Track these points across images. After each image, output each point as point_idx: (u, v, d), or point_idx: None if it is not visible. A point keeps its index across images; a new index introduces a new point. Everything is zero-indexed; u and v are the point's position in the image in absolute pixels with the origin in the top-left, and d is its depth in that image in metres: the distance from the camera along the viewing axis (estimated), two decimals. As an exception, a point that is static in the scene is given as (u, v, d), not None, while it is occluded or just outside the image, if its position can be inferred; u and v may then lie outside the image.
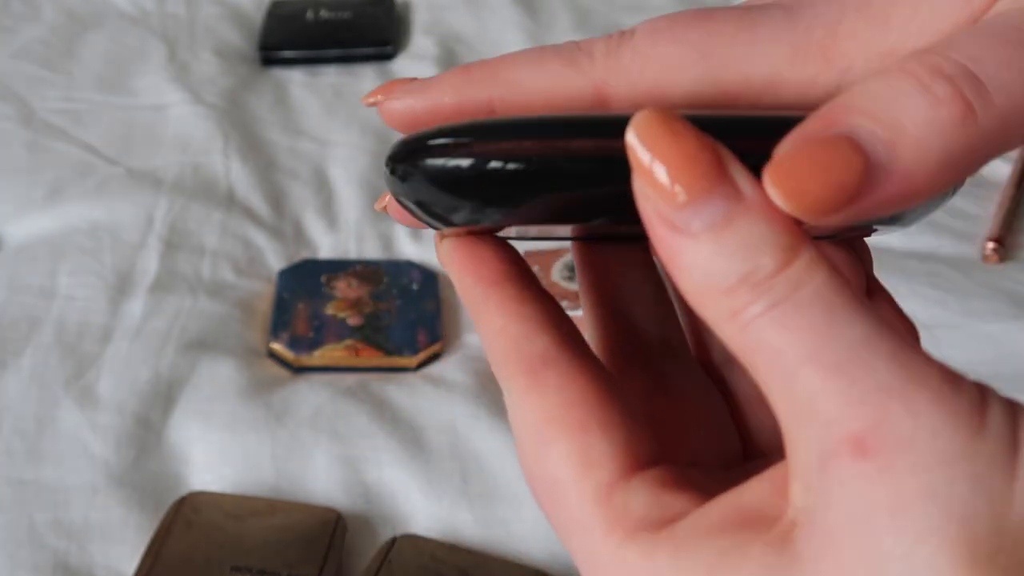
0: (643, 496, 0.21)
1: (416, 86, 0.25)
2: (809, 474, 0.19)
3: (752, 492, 0.21)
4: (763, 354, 0.20)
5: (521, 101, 0.25)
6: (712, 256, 0.19)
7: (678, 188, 0.20)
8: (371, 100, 0.26)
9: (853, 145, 0.19)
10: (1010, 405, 0.19)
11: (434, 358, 0.65)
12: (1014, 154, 0.78)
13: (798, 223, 0.20)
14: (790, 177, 0.19)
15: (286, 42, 0.95)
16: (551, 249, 0.69)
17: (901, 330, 0.22)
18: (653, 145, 0.20)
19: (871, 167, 0.19)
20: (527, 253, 0.69)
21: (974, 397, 0.19)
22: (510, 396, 0.23)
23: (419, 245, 0.74)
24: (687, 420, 0.25)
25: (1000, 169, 0.77)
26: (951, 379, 0.19)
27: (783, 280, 0.19)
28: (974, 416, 0.19)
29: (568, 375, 0.23)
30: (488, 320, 0.24)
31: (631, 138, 0.20)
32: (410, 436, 0.59)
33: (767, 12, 0.24)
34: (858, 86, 0.20)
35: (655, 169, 0.20)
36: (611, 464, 0.22)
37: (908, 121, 0.20)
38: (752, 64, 0.24)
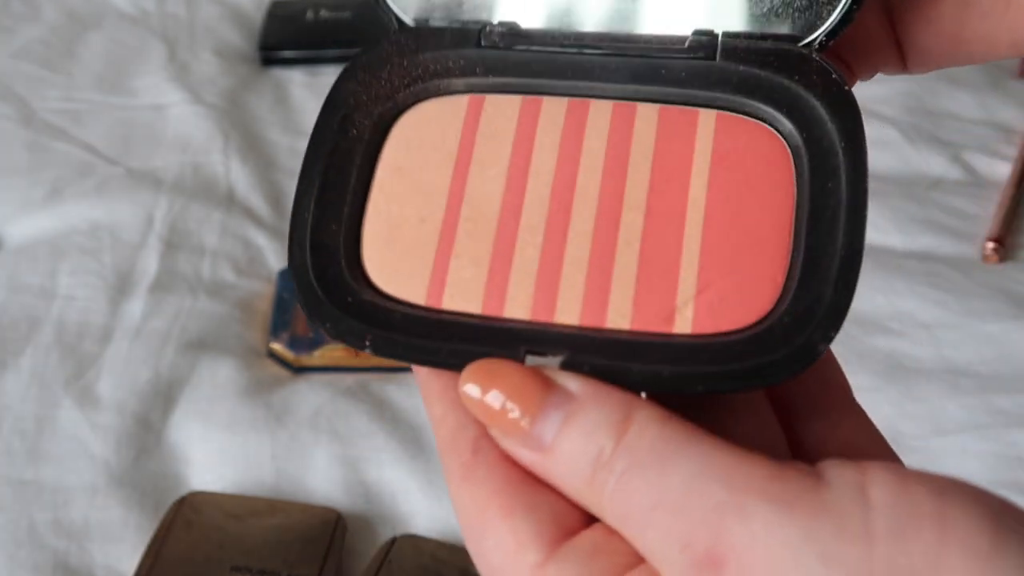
0: (572, 565, 0.22)
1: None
2: None
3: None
4: (626, 519, 0.22)
5: None
6: (569, 455, 0.22)
7: (521, 416, 0.22)
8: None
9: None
10: (854, 470, 0.20)
11: (434, 358, 0.65)
12: (1014, 153, 0.78)
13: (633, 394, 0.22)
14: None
15: (286, 42, 0.95)
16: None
17: (755, 443, 0.23)
18: (487, 388, 0.23)
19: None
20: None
21: (804, 483, 0.20)
22: (450, 488, 0.24)
23: (419, 245, 0.74)
24: None
25: (1000, 169, 0.77)
26: (778, 475, 0.21)
27: (621, 453, 0.22)
28: (807, 499, 0.20)
29: (495, 462, 0.24)
30: (430, 408, 0.25)
31: (467, 390, 0.23)
32: (410, 436, 0.59)
33: None
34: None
35: (494, 407, 0.23)
36: (538, 543, 0.23)
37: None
38: None
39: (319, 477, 0.57)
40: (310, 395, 0.61)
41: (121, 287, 0.69)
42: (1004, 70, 0.90)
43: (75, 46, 0.95)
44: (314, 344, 0.64)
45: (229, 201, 0.77)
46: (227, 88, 0.89)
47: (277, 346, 0.65)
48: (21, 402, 0.61)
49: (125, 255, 0.71)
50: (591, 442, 0.22)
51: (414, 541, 0.52)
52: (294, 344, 0.64)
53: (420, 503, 0.55)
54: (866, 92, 0.92)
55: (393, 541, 0.52)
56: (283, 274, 0.70)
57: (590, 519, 0.23)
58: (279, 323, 0.66)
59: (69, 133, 0.84)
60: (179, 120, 0.85)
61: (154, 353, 0.64)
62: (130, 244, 0.72)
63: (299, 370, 0.64)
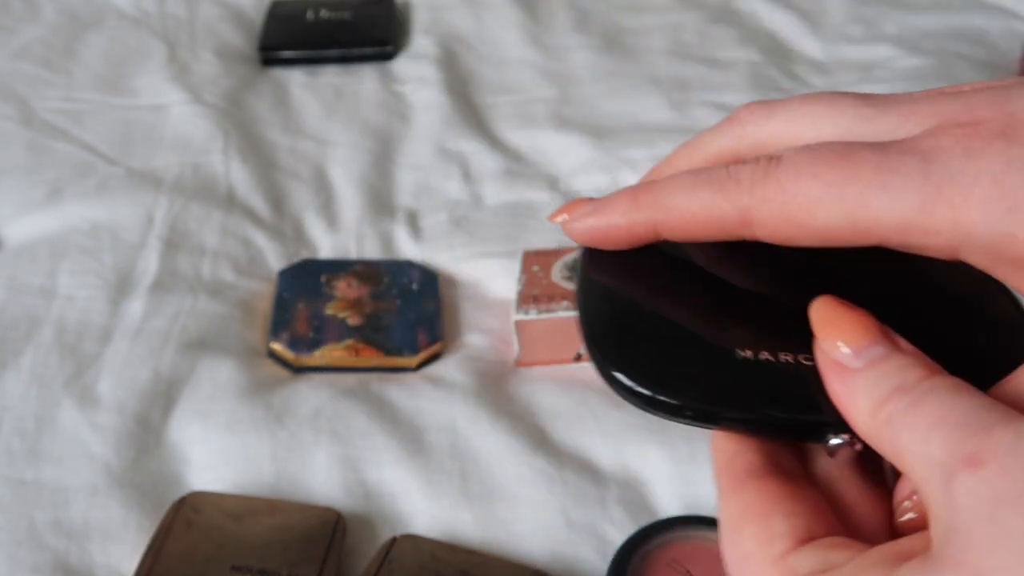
0: (811, 556, 0.27)
1: (592, 208, 0.32)
2: (940, 502, 0.25)
3: (906, 540, 0.27)
4: (904, 434, 0.26)
5: (679, 223, 0.31)
6: (875, 377, 0.27)
7: (847, 345, 0.28)
8: (557, 219, 0.33)
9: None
10: None
11: (434, 358, 0.65)
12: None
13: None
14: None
15: (286, 42, 0.95)
16: (551, 249, 0.70)
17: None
18: (835, 320, 0.29)
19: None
20: (528, 253, 0.69)
21: None
22: (720, 498, 0.30)
23: (419, 245, 0.74)
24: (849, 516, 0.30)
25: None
26: None
27: (923, 386, 0.26)
28: None
29: (762, 482, 0.29)
30: (715, 438, 0.31)
31: (817, 314, 0.29)
32: (410, 436, 0.59)
33: (903, 159, 0.27)
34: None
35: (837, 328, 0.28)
36: (787, 538, 0.28)
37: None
38: (883, 208, 0.27)
39: (319, 477, 0.57)
40: (310, 395, 0.61)
41: (121, 287, 0.69)
42: (1004, 70, 0.90)
43: (75, 46, 0.95)
44: (314, 344, 0.64)
45: (229, 201, 0.77)
46: (227, 88, 0.89)
47: (277, 346, 0.65)
48: (21, 402, 0.61)
49: (125, 255, 0.71)
50: (899, 375, 0.27)
51: (414, 541, 0.52)
52: (294, 344, 0.64)
53: (420, 503, 0.56)
54: (866, 92, 0.92)
55: (393, 541, 0.52)
56: (283, 274, 0.70)
57: (834, 533, 0.28)
58: (279, 323, 0.66)
59: (69, 133, 0.84)
60: (179, 120, 0.85)
61: (154, 353, 0.64)
62: (130, 244, 0.72)
63: (299, 370, 0.64)
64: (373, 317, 0.67)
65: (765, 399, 0.30)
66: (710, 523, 0.52)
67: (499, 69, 0.94)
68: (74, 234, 0.73)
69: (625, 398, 0.31)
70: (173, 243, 0.72)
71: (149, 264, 0.70)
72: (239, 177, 0.79)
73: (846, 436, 0.29)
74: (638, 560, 0.51)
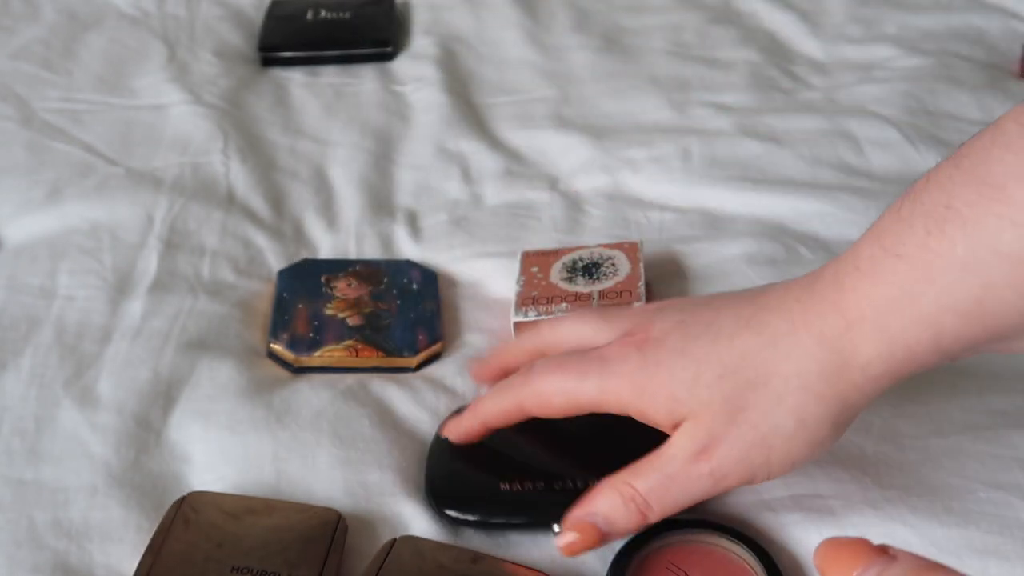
0: None
1: (459, 422, 0.58)
2: None
3: None
4: None
5: (494, 419, 0.56)
6: None
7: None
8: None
9: (594, 526, 0.50)
10: None
11: (434, 358, 0.65)
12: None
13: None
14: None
15: (286, 42, 0.95)
16: (550, 250, 0.70)
17: None
18: (831, 558, 0.32)
19: (602, 533, 0.50)
20: (527, 253, 0.69)
21: None
22: None
23: (419, 245, 0.74)
24: None
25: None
26: None
27: None
28: None
29: None
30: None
31: (820, 559, 0.33)
32: (410, 436, 0.59)
33: (591, 365, 0.52)
34: (596, 496, 0.51)
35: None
36: None
37: (617, 517, 0.50)
38: (583, 394, 0.53)
39: (320, 478, 0.57)
40: (310, 395, 0.61)
41: (121, 287, 0.69)
42: (1004, 71, 0.90)
43: (75, 46, 0.95)
44: (314, 344, 0.64)
45: (229, 201, 0.77)
46: (227, 88, 0.89)
47: (277, 346, 0.65)
48: (21, 402, 0.61)
49: (125, 255, 0.71)
50: None
51: (414, 542, 0.52)
52: (294, 344, 0.64)
53: (420, 504, 0.56)
54: (866, 92, 0.92)
55: (393, 542, 0.52)
56: (283, 274, 0.70)
57: None
58: (279, 323, 0.66)
59: (69, 133, 0.84)
60: (179, 120, 0.85)
61: (154, 353, 0.64)
62: (130, 244, 0.72)
63: (299, 370, 0.64)
64: (373, 317, 0.67)
65: (519, 512, 0.55)
66: (709, 526, 0.53)
67: (499, 69, 0.94)
68: (74, 234, 0.73)
69: (443, 519, 0.55)
70: (173, 243, 0.72)
71: (149, 264, 0.70)
72: (239, 177, 0.79)
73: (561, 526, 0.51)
74: (637, 563, 0.51)
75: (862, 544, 0.31)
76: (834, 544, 0.32)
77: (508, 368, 0.58)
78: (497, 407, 0.54)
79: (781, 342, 0.47)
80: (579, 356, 0.52)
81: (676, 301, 0.54)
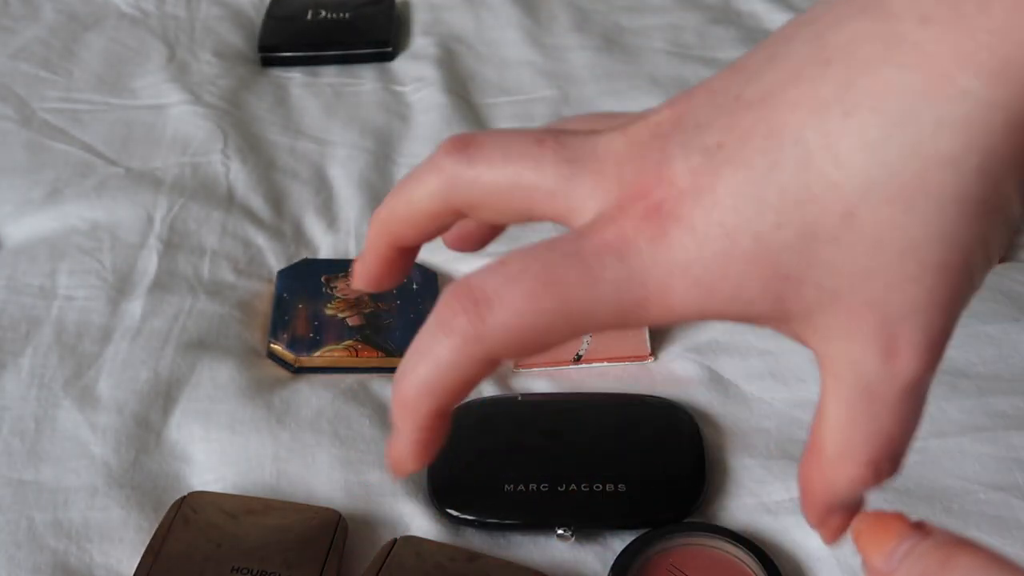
0: None
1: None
2: None
3: None
4: None
5: (441, 388, 0.31)
6: (905, 571, 0.28)
7: (879, 552, 0.29)
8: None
9: None
10: None
11: (434, 358, 0.65)
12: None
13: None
14: None
15: (285, 42, 0.95)
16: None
17: None
18: (868, 531, 0.30)
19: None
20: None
21: None
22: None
23: (419, 245, 0.74)
24: None
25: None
26: None
27: (950, 572, 0.27)
28: None
29: None
30: None
31: (855, 532, 0.30)
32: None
33: (603, 262, 0.29)
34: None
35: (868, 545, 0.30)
36: None
37: None
38: (600, 312, 0.29)
39: (320, 478, 0.57)
40: (311, 396, 0.61)
41: (121, 287, 0.69)
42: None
43: (75, 46, 0.95)
44: (314, 344, 0.64)
45: (229, 201, 0.77)
46: (227, 88, 0.89)
47: (277, 346, 0.65)
48: (21, 402, 0.61)
49: (125, 255, 0.71)
50: (921, 562, 0.28)
51: (414, 542, 0.52)
52: (294, 344, 0.64)
53: (420, 504, 0.56)
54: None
55: (394, 542, 0.52)
56: (283, 274, 0.70)
57: None
58: (279, 323, 0.66)
59: (69, 133, 0.84)
60: (179, 120, 0.85)
61: (154, 353, 0.64)
62: (130, 244, 0.72)
63: (299, 370, 0.64)
64: (373, 317, 0.67)
65: (522, 512, 0.54)
66: (711, 529, 0.53)
67: (499, 69, 0.94)
68: (74, 234, 0.73)
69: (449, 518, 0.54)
70: (173, 243, 0.72)
71: (149, 264, 0.70)
72: (239, 177, 0.79)
73: (565, 530, 0.53)
74: (639, 565, 0.51)
75: (898, 519, 0.30)
76: (871, 518, 0.30)
77: (401, 244, 0.37)
78: (443, 370, 0.30)
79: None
80: (574, 257, 0.29)
81: (664, 107, 0.31)
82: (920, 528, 0.29)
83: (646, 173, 0.29)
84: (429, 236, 0.35)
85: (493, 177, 0.31)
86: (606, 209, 0.29)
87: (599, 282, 0.29)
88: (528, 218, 0.32)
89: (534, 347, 0.30)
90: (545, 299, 0.29)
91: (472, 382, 0.31)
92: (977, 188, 0.26)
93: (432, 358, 0.30)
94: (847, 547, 0.51)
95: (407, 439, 0.32)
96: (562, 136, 0.31)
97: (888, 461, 0.29)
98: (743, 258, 0.27)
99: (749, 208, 0.27)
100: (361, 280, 0.37)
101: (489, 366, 0.30)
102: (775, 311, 0.28)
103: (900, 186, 0.26)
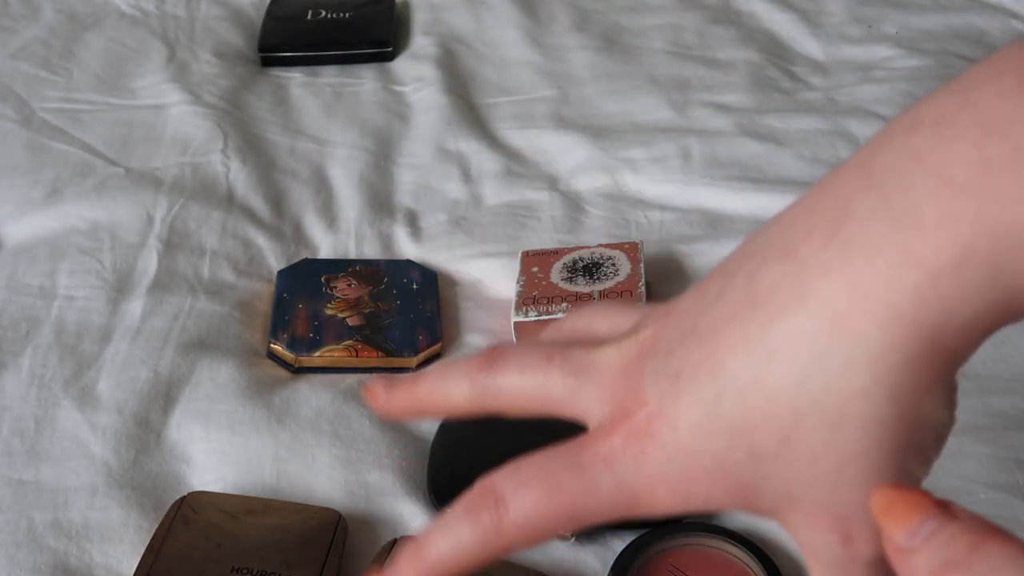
0: None
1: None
2: None
3: None
4: None
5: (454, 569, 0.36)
6: (926, 555, 0.28)
7: (902, 527, 0.29)
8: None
9: None
10: None
11: (434, 358, 0.65)
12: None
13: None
14: None
15: (285, 42, 0.95)
16: (551, 250, 0.69)
17: None
18: (891, 505, 0.29)
19: None
20: (526, 253, 0.69)
21: None
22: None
23: (419, 245, 0.74)
24: None
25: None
26: None
27: (977, 559, 0.27)
28: None
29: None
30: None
31: (876, 505, 0.30)
32: (411, 437, 0.59)
33: (597, 474, 0.34)
34: None
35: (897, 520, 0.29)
36: None
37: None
38: (598, 513, 0.34)
39: (320, 478, 0.57)
40: (311, 396, 0.61)
41: (121, 287, 0.69)
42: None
43: (75, 46, 0.95)
44: (314, 344, 0.64)
45: (229, 201, 0.77)
46: (227, 88, 0.89)
47: (277, 346, 0.65)
48: (21, 402, 0.61)
49: (125, 255, 0.71)
50: (949, 546, 0.28)
51: (414, 542, 0.52)
52: (294, 344, 0.64)
53: (420, 504, 0.55)
54: (866, 92, 0.92)
55: (394, 542, 0.52)
56: (283, 274, 0.70)
57: None
58: (279, 323, 0.66)
59: (69, 133, 0.84)
60: (179, 120, 0.85)
61: (154, 353, 0.63)
62: (130, 244, 0.72)
63: (299, 370, 0.64)
64: (373, 317, 0.67)
65: None
66: (711, 530, 0.53)
67: (499, 69, 0.94)
68: (73, 234, 0.73)
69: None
70: (173, 243, 0.72)
71: (149, 264, 0.70)
72: (239, 177, 0.79)
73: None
74: (639, 565, 0.51)
75: (924, 496, 0.29)
76: (895, 491, 0.30)
77: (425, 415, 0.42)
78: (459, 547, 0.36)
79: None
80: (571, 467, 0.35)
81: (650, 324, 0.36)
82: (947, 509, 0.29)
83: (630, 392, 0.34)
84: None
85: (513, 388, 0.37)
86: (603, 421, 0.35)
87: (595, 490, 0.34)
88: (549, 415, 0.37)
89: (543, 538, 0.35)
90: (549, 505, 0.34)
91: (482, 563, 0.36)
92: (891, 412, 0.30)
93: (455, 539, 0.35)
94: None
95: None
96: (567, 351, 0.36)
97: None
98: (706, 472, 0.32)
99: (703, 432, 0.32)
100: (376, 406, 0.41)
101: (502, 553, 0.35)
102: (745, 508, 0.33)
103: (824, 414, 0.30)
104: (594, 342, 0.37)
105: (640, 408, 0.34)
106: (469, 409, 0.39)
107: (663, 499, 0.33)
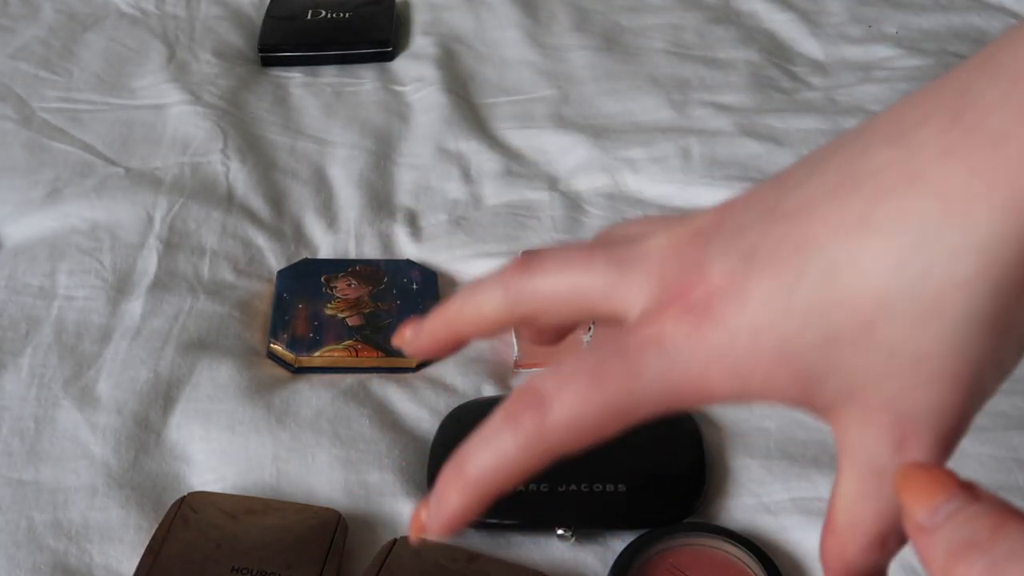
0: None
1: (434, 507, 0.35)
2: None
3: None
4: None
5: (496, 482, 0.34)
6: (946, 534, 0.27)
7: (923, 505, 0.28)
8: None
9: None
10: None
11: (434, 359, 0.65)
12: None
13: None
14: None
15: (285, 42, 0.95)
16: (551, 249, 0.69)
17: None
18: (913, 482, 0.29)
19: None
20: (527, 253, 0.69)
21: None
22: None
23: (419, 245, 0.74)
24: None
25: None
26: None
27: (999, 546, 0.26)
28: None
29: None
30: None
31: (899, 480, 0.29)
32: (410, 436, 0.59)
33: (645, 356, 0.32)
34: None
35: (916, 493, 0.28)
36: None
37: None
38: (646, 399, 0.32)
39: (320, 478, 0.57)
40: (311, 396, 0.61)
41: (121, 287, 0.69)
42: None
43: (75, 46, 0.95)
44: (314, 344, 0.64)
45: (229, 201, 0.77)
46: (226, 88, 0.89)
47: (277, 346, 0.64)
48: (21, 402, 0.61)
49: (125, 255, 0.71)
50: (969, 526, 0.27)
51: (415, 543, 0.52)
52: (294, 344, 0.64)
53: (420, 504, 0.55)
54: (866, 92, 0.92)
55: (394, 542, 0.52)
56: (283, 274, 0.70)
57: None
58: (279, 323, 0.66)
59: (69, 133, 0.84)
60: (179, 120, 0.85)
61: (154, 353, 0.63)
62: (130, 244, 0.72)
63: (299, 370, 0.64)
64: (373, 317, 0.67)
65: (522, 512, 0.54)
66: (711, 530, 0.53)
67: (499, 69, 0.94)
68: (73, 234, 0.73)
69: None
70: (172, 243, 0.72)
71: (148, 264, 0.70)
72: (239, 177, 0.79)
73: (565, 530, 0.53)
74: (639, 565, 0.51)
75: (947, 474, 0.28)
76: (918, 469, 0.29)
77: (460, 339, 0.39)
78: (504, 457, 0.34)
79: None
80: (618, 351, 0.32)
81: (709, 212, 0.34)
82: (970, 489, 0.28)
83: (686, 271, 0.32)
84: (488, 338, 0.40)
85: (552, 285, 0.35)
86: (650, 305, 0.32)
87: (642, 375, 0.32)
88: (586, 318, 0.35)
89: (590, 438, 0.33)
90: (595, 397, 0.32)
91: (529, 471, 0.33)
92: (989, 311, 0.28)
93: (498, 448, 0.33)
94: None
95: (451, 509, 0.34)
96: (612, 242, 0.34)
97: (894, 537, 0.31)
98: (769, 355, 0.30)
99: (776, 312, 0.30)
100: (409, 348, 0.39)
101: (547, 458, 0.33)
102: (802, 400, 0.31)
103: (916, 304, 0.28)
104: (640, 236, 0.34)
105: (698, 286, 0.31)
106: (502, 320, 0.36)
107: (717, 384, 0.31)
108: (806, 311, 0.29)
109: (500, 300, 0.36)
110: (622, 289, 0.33)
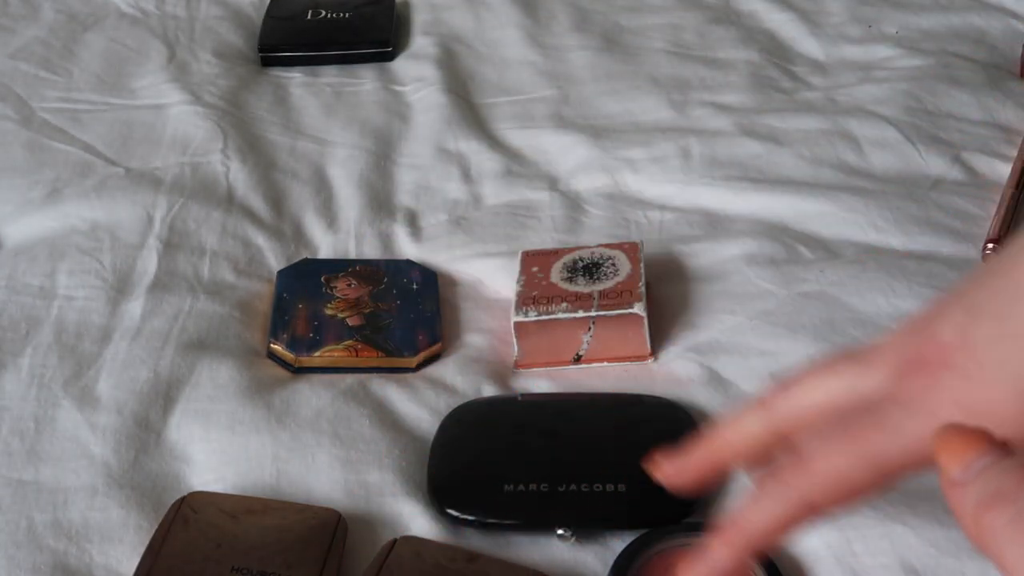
0: None
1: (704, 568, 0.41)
2: None
3: None
4: (1008, 549, 0.28)
5: (766, 536, 0.40)
6: (976, 488, 0.29)
7: (957, 463, 0.30)
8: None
9: None
10: None
11: (434, 358, 0.65)
12: (1014, 153, 0.78)
13: None
14: None
15: (285, 42, 0.95)
16: (551, 249, 0.69)
17: None
18: (950, 442, 0.31)
19: None
20: (526, 253, 0.69)
21: None
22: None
23: (419, 245, 0.74)
24: None
25: (1000, 169, 0.77)
26: None
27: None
28: None
29: None
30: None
31: (936, 441, 0.31)
32: (410, 436, 0.59)
33: (892, 414, 0.37)
34: None
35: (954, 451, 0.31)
36: None
37: None
38: (896, 451, 0.37)
39: (320, 478, 0.57)
40: (311, 396, 0.61)
41: (121, 287, 0.69)
42: (1004, 70, 0.90)
43: (75, 46, 0.95)
44: (314, 344, 0.64)
45: (229, 201, 0.77)
46: (226, 88, 0.89)
47: (277, 346, 0.65)
48: (21, 402, 0.61)
49: (125, 255, 0.71)
50: (999, 479, 0.29)
51: (414, 542, 0.52)
52: (294, 344, 0.64)
53: (420, 504, 0.55)
54: (866, 92, 0.92)
55: (394, 542, 0.52)
56: (283, 274, 0.70)
57: None
58: (279, 323, 0.66)
59: (69, 133, 0.84)
60: (179, 120, 0.85)
61: (154, 353, 0.63)
62: (130, 244, 0.72)
63: (299, 370, 0.64)
64: (373, 317, 0.67)
65: (522, 513, 0.54)
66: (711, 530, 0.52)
67: (499, 69, 0.94)
68: (73, 234, 0.73)
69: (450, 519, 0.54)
70: (172, 243, 0.72)
71: (148, 264, 0.70)
72: (239, 177, 0.79)
73: (565, 530, 0.53)
74: (639, 565, 0.51)
75: (983, 433, 0.30)
76: (955, 430, 0.31)
77: (724, 462, 0.44)
78: (771, 514, 0.39)
79: None
80: (873, 413, 0.38)
81: (932, 308, 0.40)
82: (1003, 446, 0.29)
83: (919, 340, 0.38)
84: (747, 461, 0.44)
85: (807, 392, 0.41)
86: (892, 379, 0.38)
87: (891, 428, 0.37)
88: (837, 408, 0.40)
89: (853, 495, 0.38)
90: (852, 453, 0.37)
91: (792, 528, 0.39)
92: None
93: (769, 513, 0.39)
94: (847, 547, 0.51)
95: (724, 561, 0.40)
96: (847, 349, 0.41)
97: None
98: (1003, 389, 0.35)
99: (1006, 351, 0.35)
100: (674, 483, 0.44)
101: (813, 515, 0.39)
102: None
103: None
104: (868, 345, 0.42)
105: (932, 346, 0.38)
106: (766, 439, 0.42)
107: (947, 418, 0.34)
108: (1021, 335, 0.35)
109: (765, 419, 0.42)
110: (866, 379, 0.40)
